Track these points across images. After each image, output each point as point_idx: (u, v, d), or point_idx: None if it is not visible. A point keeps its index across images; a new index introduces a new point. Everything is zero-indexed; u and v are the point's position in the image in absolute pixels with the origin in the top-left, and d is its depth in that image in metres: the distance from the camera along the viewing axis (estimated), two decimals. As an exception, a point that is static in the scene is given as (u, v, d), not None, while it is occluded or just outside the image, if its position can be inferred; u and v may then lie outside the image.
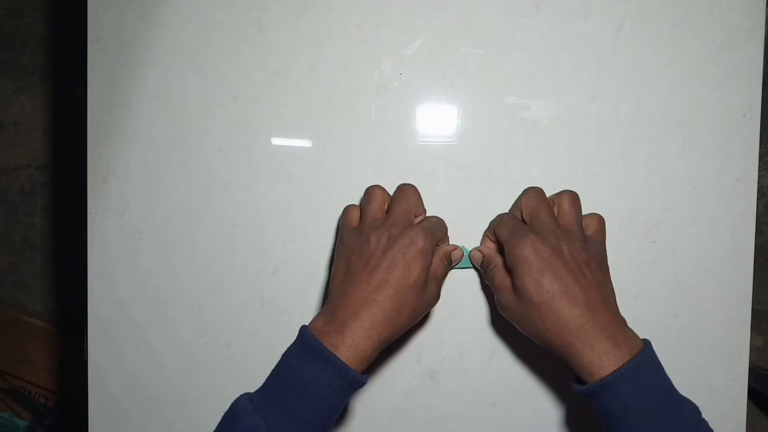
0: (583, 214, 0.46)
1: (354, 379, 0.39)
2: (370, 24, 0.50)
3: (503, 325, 0.50)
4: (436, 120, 0.50)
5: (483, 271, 0.48)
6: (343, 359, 0.39)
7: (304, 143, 0.51)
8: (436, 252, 0.45)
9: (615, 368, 0.38)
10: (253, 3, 0.50)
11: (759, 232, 0.55)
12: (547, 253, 0.41)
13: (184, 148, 0.51)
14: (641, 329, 0.49)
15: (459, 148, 0.50)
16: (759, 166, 0.49)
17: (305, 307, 0.51)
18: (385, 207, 0.46)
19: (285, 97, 0.51)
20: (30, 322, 1.30)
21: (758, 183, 0.49)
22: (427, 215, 0.48)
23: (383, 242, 0.42)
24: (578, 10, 0.49)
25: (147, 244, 0.52)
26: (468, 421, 0.51)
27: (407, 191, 0.46)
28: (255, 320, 0.51)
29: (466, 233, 0.50)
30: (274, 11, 0.50)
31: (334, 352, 0.39)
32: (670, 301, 0.50)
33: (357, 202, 0.50)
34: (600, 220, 0.46)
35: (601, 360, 0.39)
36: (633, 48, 0.49)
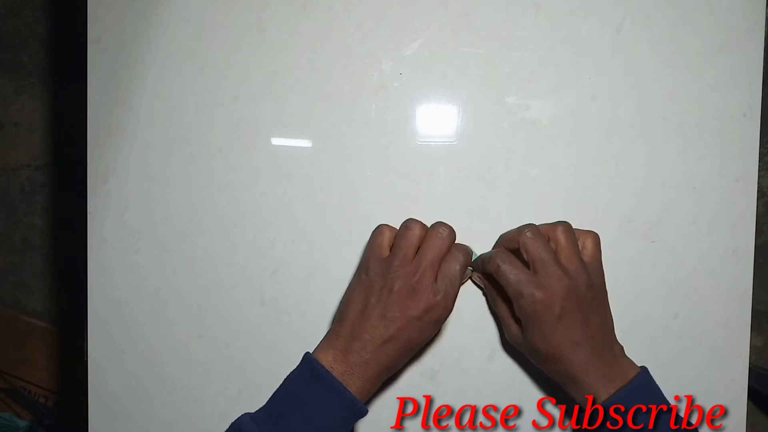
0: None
1: (360, 411, 0.42)
2: (370, 24, 0.50)
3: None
4: (436, 120, 0.50)
5: (489, 299, 0.49)
6: (353, 392, 0.42)
7: (304, 143, 0.51)
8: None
9: (608, 396, 0.41)
10: (253, 3, 0.50)
11: (759, 232, 0.55)
12: (557, 311, 0.42)
13: (184, 148, 0.51)
14: (641, 329, 0.49)
15: (459, 148, 0.50)
16: (759, 166, 0.49)
17: (305, 307, 0.51)
18: (419, 245, 0.45)
19: (285, 97, 0.51)
20: (30, 322, 1.30)
21: (758, 183, 0.49)
22: (455, 244, 0.46)
23: (405, 294, 0.43)
24: (578, 10, 0.49)
25: (147, 244, 0.52)
26: (468, 421, 0.51)
27: (443, 238, 0.45)
28: (255, 320, 0.51)
29: (466, 233, 0.50)
30: (274, 11, 0.50)
31: (345, 385, 0.42)
32: (670, 301, 0.50)
33: (357, 203, 0.50)
34: (595, 241, 0.46)
35: (599, 393, 0.42)
36: (633, 48, 0.49)
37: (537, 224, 0.45)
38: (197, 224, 0.51)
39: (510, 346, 0.50)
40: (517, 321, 0.45)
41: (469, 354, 0.50)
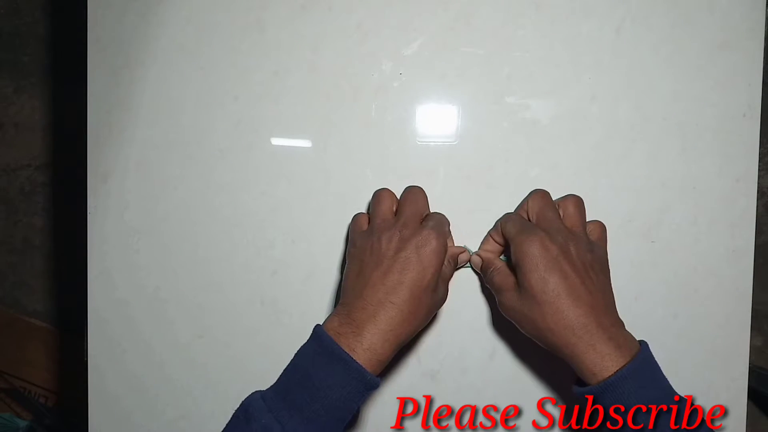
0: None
1: (370, 382, 0.39)
2: (370, 24, 0.50)
3: (503, 325, 0.50)
4: (436, 120, 0.50)
5: (483, 273, 0.48)
6: (361, 362, 0.39)
7: (304, 143, 0.51)
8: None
9: (617, 369, 0.39)
10: (253, 3, 0.50)
11: (759, 232, 0.55)
12: (554, 252, 0.41)
13: (184, 148, 0.51)
14: (641, 329, 0.49)
15: (459, 148, 0.50)
16: (759, 166, 0.49)
17: (305, 307, 0.51)
18: (394, 209, 0.46)
19: (285, 97, 0.51)
20: (30, 322, 1.30)
21: (758, 183, 0.49)
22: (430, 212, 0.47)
23: (395, 242, 0.42)
24: (578, 10, 0.49)
25: (147, 244, 0.52)
26: (468, 422, 0.51)
27: (416, 193, 0.46)
28: (255, 320, 0.51)
29: (466, 233, 0.50)
30: (274, 11, 0.50)
31: (351, 354, 0.39)
32: (670, 301, 0.50)
33: (357, 203, 0.50)
34: (602, 227, 0.46)
35: (604, 361, 0.39)
36: (633, 48, 0.49)
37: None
38: (197, 224, 0.51)
39: (510, 347, 0.50)
40: (514, 284, 0.43)
41: (469, 354, 0.50)
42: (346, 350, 0.39)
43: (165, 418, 0.52)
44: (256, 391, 0.41)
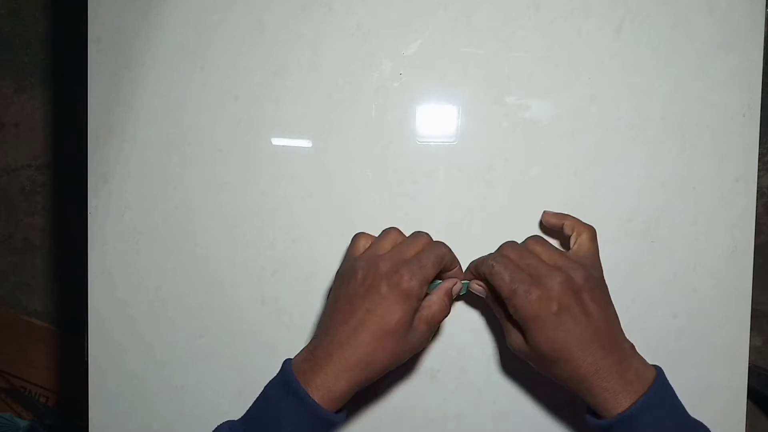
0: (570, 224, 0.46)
1: (325, 418, 0.39)
2: (370, 24, 0.50)
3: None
4: (436, 120, 0.50)
5: (489, 302, 0.46)
6: (315, 398, 0.39)
7: (304, 143, 0.51)
8: (436, 291, 0.44)
9: (631, 403, 0.39)
10: (253, 3, 0.50)
11: (758, 232, 0.55)
12: (554, 308, 0.40)
13: (184, 148, 0.51)
14: (641, 329, 0.49)
15: (459, 148, 0.50)
16: (758, 166, 0.49)
17: (305, 307, 0.51)
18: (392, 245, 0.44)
19: (285, 97, 0.51)
20: (30, 322, 1.30)
21: (758, 183, 0.49)
22: (432, 242, 0.44)
23: (369, 279, 0.41)
24: (578, 10, 0.49)
25: (147, 244, 0.52)
26: (468, 421, 0.51)
27: (419, 236, 0.44)
28: (255, 320, 0.51)
29: (466, 233, 0.50)
30: (274, 11, 0.50)
31: (306, 389, 0.39)
32: (670, 301, 0.50)
33: (357, 203, 0.50)
34: (591, 235, 0.45)
35: (617, 398, 0.39)
36: (633, 48, 0.49)
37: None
38: (197, 224, 0.51)
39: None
40: (518, 326, 0.42)
41: (469, 354, 0.50)
42: (303, 384, 0.39)
43: (165, 418, 0.52)
44: (226, 421, 0.43)
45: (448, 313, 0.44)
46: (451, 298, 0.44)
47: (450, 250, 0.44)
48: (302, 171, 0.51)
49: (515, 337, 0.43)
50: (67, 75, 1.34)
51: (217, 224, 0.51)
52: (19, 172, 1.35)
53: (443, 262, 0.43)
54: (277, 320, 0.51)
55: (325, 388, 0.39)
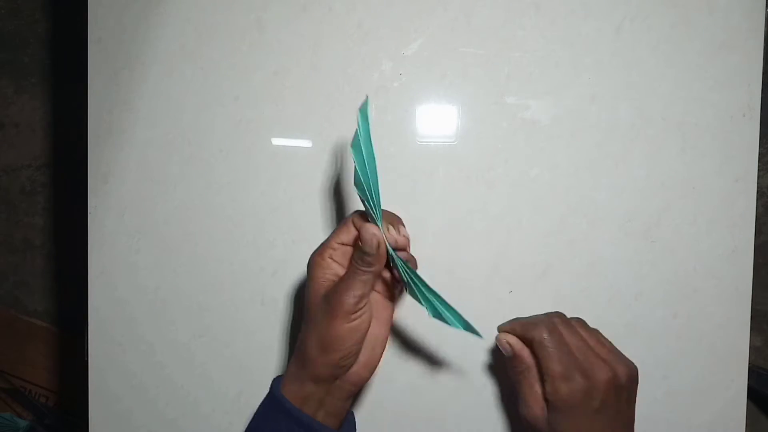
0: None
1: (278, 401, 0.40)
2: (370, 24, 0.50)
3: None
4: (436, 120, 0.50)
5: (508, 365, 0.44)
6: (283, 392, 0.40)
7: (304, 143, 0.51)
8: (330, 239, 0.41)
9: None
10: (253, 3, 0.50)
11: (759, 232, 0.55)
12: (596, 405, 0.39)
13: (184, 148, 0.51)
14: (641, 329, 0.49)
15: (459, 148, 0.50)
16: (758, 166, 0.49)
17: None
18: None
19: (285, 97, 0.51)
20: (30, 322, 1.30)
21: (758, 183, 0.49)
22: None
23: None
24: (578, 10, 0.49)
25: (147, 244, 0.52)
26: (468, 421, 0.51)
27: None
28: (255, 320, 0.51)
29: (466, 233, 0.50)
30: (274, 11, 0.50)
31: (279, 387, 0.41)
32: (670, 301, 0.50)
33: (357, 203, 0.50)
34: (634, 372, 0.43)
35: None
36: (633, 48, 0.49)
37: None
38: (197, 224, 0.51)
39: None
40: (542, 401, 0.41)
41: (469, 354, 0.50)
42: (275, 384, 0.41)
43: (165, 418, 0.52)
44: None
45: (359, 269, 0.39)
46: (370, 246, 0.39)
47: (358, 217, 0.41)
48: (302, 171, 0.51)
49: (536, 411, 0.41)
50: (67, 75, 1.34)
51: (217, 224, 0.51)
52: (19, 172, 1.35)
53: (342, 227, 0.41)
54: (277, 320, 0.51)
55: (287, 375, 0.41)
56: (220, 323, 0.52)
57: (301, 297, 0.51)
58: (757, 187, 0.49)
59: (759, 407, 1.22)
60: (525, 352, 0.43)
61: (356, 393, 0.42)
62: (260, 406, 0.42)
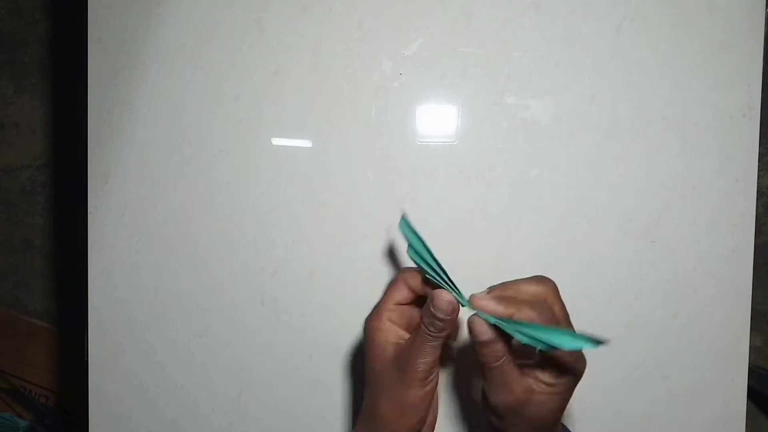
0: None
1: None
2: (370, 24, 0.50)
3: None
4: (436, 120, 0.50)
5: (484, 350, 0.37)
6: None
7: (304, 143, 0.51)
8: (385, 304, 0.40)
9: None
10: (253, 3, 0.50)
11: (759, 232, 0.55)
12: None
13: (184, 148, 0.51)
14: (641, 329, 0.49)
15: (459, 148, 0.50)
16: (758, 166, 0.49)
17: (305, 307, 0.51)
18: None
19: (285, 97, 0.51)
20: (30, 322, 1.30)
21: (758, 183, 0.49)
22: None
23: None
24: (578, 10, 0.49)
25: (147, 244, 0.52)
26: (467, 422, 0.51)
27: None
28: (255, 320, 0.51)
29: (466, 233, 0.50)
30: (274, 11, 0.50)
31: None
32: (670, 301, 0.50)
33: (357, 203, 0.50)
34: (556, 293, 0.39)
35: None
36: (633, 48, 0.49)
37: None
38: (197, 224, 0.51)
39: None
40: (526, 381, 0.37)
41: (469, 353, 0.50)
42: None
43: (165, 418, 0.52)
44: None
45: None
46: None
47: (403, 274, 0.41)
48: (302, 171, 0.51)
49: (518, 394, 0.37)
50: (67, 75, 1.34)
51: (217, 224, 0.51)
52: (19, 172, 1.35)
53: (395, 287, 0.41)
54: (277, 320, 0.51)
55: None
56: (220, 323, 0.52)
57: (302, 298, 0.51)
58: (757, 187, 0.49)
59: (759, 407, 1.22)
60: (500, 342, 0.37)
61: None
62: None
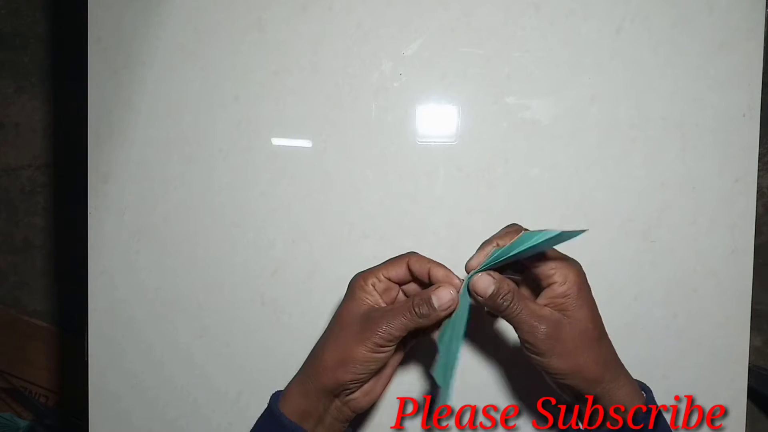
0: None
1: (276, 416, 0.40)
2: (370, 24, 0.50)
3: (503, 324, 0.50)
4: (436, 120, 0.50)
5: (493, 303, 0.39)
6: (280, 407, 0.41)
7: (304, 143, 0.51)
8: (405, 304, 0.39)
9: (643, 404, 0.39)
10: (253, 3, 0.50)
11: (758, 232, 0.55)
12: (587, 282, 0.40)
13: (184, 148, 0.51)
14: (641, 329, 0.49)
15: (459, 148, 0.50)
16: (758, 166, 0.49)
17: (305, 307, 0.51)
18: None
19: (285, 97, 0.51)
20: (30, 322, 1.30)
21: (758, 183, 0.49)
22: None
23: None
24: (578, 11, 0.49)
25: (147, 244, 0.52)
26: (468, 421, 0.51)
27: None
28: (255, 320, 0.51)
29: (466, 233, 0.50)
30: (274, 11, 0.50)
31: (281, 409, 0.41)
32: (670, 301, 0.50)
33: (357, 203, 0.50)
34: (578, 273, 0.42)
35: (633, 399, 0.39)
36: (633, 48, 0.49)
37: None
38: (197, 224, 0.51)
39: (509, 346, 0.50)
40: (545, 311, 0.38)
41: (469, 354, 0.50)
42: (273, 399, 0.42)
43: (165, 418, 0.52)
44: None
45: (403, 330, 0.39)
46: (420, 312, 0.39)
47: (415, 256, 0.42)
48: (302, 171, 0.51)
49: (544, 326, 0.38)
50: (67, 75, 1.34)
51: (217, 224, 0.51)
52: (19, 172, 1.35)
53: (395, 263, 0.41)
54: (277, 320, 0.51)
55: (291, 406, 0.41)
56: (220, 323, 0.52)
57: (300, 296, 0.51)
58: (757, 187, 0.49)
59: (759, 407, 1.22)
60: (505, 280, 0.39)
61: (352, 419, 0.43)
62: (258, 420, 0.42)
